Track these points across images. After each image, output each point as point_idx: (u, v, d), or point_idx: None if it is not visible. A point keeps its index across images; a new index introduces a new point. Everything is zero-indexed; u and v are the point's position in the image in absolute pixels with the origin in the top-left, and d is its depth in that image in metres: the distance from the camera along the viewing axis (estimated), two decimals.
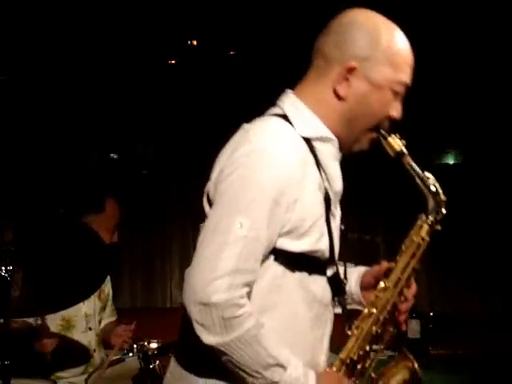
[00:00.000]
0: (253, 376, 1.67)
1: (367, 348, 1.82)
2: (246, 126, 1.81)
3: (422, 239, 1.87)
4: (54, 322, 3.41)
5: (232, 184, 1.70)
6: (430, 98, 5.32)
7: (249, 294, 1.70)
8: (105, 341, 3.73)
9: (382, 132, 1.85)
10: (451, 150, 6.17)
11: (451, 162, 6.21)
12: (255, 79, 5.43)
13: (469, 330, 4.92)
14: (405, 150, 1.84)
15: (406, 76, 1.85)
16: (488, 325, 5.10)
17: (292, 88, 1.90)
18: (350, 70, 1.80)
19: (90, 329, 3.60)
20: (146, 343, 3.26)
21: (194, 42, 5.30)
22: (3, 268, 2.53)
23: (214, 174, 1.77)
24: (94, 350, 3.58)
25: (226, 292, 1.63)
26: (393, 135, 1.85)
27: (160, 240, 5.90)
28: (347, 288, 1.98)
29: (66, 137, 5.33)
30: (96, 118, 5.42)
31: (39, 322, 3.24)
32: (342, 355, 1.81)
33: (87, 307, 3.59)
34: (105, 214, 3.70)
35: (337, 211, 1.90)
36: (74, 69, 5.08)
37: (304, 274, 1.78)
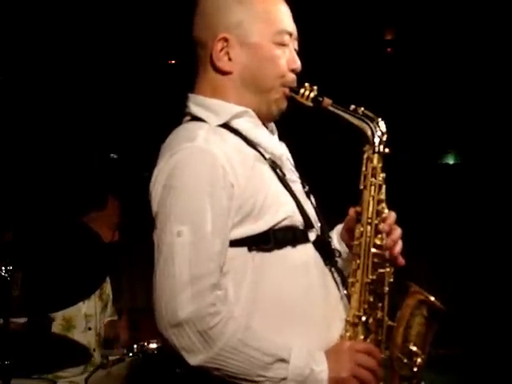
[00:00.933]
0: (257, 381, 1.59)
1: (371, 299, 1.74)
2: (163, 144, 1.79)
3: (375, 168, 1.77)
4: (55, 321, 3.41)
5: (158, 198, 1.66)
6: (429, 98, 5.33)
7: (240, 297, 1.64)
8: (108, 338, 3.75)
9: (290, 87, 1.79)
10: (451, 150, 6.17)
11: (451, 162, 6.21)
12: None
13: (468, 330, 4.92)
14: (320, 95, 1.79)
15: (282, 24, 1.80)
16: (488, 325, 5.10)
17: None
18: (223, 42, 1.77)
19: (90, 329, 3.60)
20: (145, 343, 3.26)
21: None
22: (3, 268, 2.54)
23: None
24: (94, 350, 3.58)
25: (191, 304, 1.56)
26: (304, 86, 1.80)
27: None
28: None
29: (65, 136, 5.33)
30: (96, 117, 5.41)
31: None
32: (349, 317, 1.72)
33: (87, 307, 3.60)
34: (106, 211, 3.71)
35: (293, 175, 1.84)
36: (73, 69, 5.08)
37: (288, 250, 1.71)
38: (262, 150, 1.76)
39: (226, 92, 1.80)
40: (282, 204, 1.72)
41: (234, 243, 1.67)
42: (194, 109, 1.83)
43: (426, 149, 5.78)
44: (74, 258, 2.69)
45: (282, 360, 1.60)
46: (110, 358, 3.38)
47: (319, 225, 1.84)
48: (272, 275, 1.68)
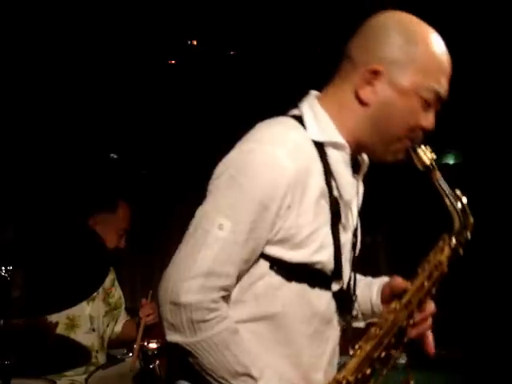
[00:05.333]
0: (220, 382, 1.61)
1: (367, 371, 1.72)
2: (258, 125, 1.74)
3: (441, 262, 1.76)
4: (58, 320, 3.41)
5: (219, 184, 1.66)
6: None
7: (241, 303, 1.66)
8: (127, 338, 3.75)
9: (412, 143, 1.75)
10: (451, 150, 6.17)
11: (451, 162, 6.21)
12: (255, 79, 5.43)
13: (468, 330, 4.92)
14: (434, 165, 1.75)
15: (437, 84, 1.72)
16: (488, 325, 5.10)
17: (319, 89, 1.83)
18: (375, 74, 1.70)
19: (94, 330, 3.60)
20: (145, 343, 3.26)
21: (194, 42, 5.30)
22: (3, 268, 2.53)
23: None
24: (97, 351, 3.58)
25: (196, 293, 1.58)
26: (423, 147, 1.75)
27: (160, 240, 5.90)
28: (370, 299, 1.91)
29: (66, 137, 5.33)
30: (96, 118, 5.42)
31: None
32: (339, 375, 1.71)
33: (91, 309, 3.60)
34: (116, 215, 3.70)
35: (349, 222, 1.80)
36: (74, 69, 5.08)
37: (304, 287, 1.70)
38: (333, 187, 1.72)
39: (349, 117, 1.74)
40: (322, 248, 1.70)
41: (261, 255, 1.68)
42: (305, 109, 1.78)
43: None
44: (74, 258, 2.69)
45: (251, 376, 1.61)
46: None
47: (350, 276, 1.82)
48: (278, 300, 1.69)
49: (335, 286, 1.76)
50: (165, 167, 5.79)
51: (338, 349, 1.84)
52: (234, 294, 1.68)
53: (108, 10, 4.68)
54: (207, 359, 1.60)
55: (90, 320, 3.59)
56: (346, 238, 1.78)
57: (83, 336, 3.51)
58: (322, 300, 1.74)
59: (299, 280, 1.69)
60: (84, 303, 3.48)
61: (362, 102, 1.73)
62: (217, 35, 5.14)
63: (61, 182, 5.11)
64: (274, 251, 1.67)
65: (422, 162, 1.74)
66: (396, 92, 1.71)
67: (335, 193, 1.72)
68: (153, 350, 3.21)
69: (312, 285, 1.71)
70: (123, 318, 3.84)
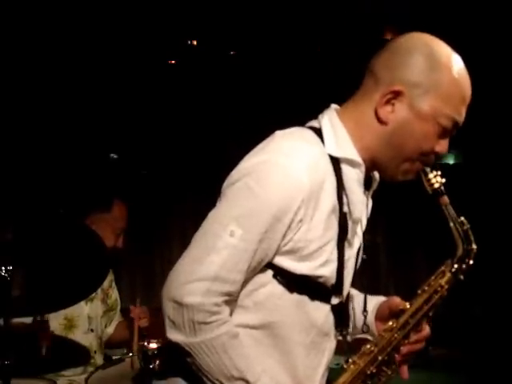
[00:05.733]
0: None
1: None
2: (275, 133, 1.76)
3: (441, 286, 1.81)
4: (56, 320, 3.42)
5: (235, 190, 1.67)
6: None
7: (241, 308, 1.68)
8: (117, 340, 3.75)
9: (423, 166, 1.78)
10: (451, 150, 6.16)
11: (451, 162, 6.21)
12: (255, 79, 5.43)
13: (468, 330, 4.92)
14: (443, 190, 1.78)
15: (456, 112, 1.75)
16: (487, 325, 5.10)
17: (340, 103, 1.84)
18: (396, 94, 1.72)
19: (92, 330, 3.60)
20: (145, 343, 3.26)
21: (194, 42, 5.30)
22: (3, 268, 2.53)
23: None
24: (95, 352, 3.58)
25: (200, 296, 1.60)
26: (434, 172, 1.78)
27: (160, 240, 5.90)
28: (364, 316, 1.94)
29: (66, 136, 5.33)
30: (96, 117, 5.42)
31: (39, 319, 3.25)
32: None
33: (90, 309, 3.60)
34: (111, 214, 3.68)
35: (355, 239, 1.82)
36: (74, 69, 5.08)
37: (304, 298, 1.73)
38: (344, 203, 1.74)
39: (366, 134, 1.77)
40: (327, 263, 1.73)
41: (267, 263, 1.70)
42: (325, 123, 1.79)
43: None
44: (73, 258, 2.69)
45: (246, 381, 1.64)
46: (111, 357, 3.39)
47: (349, 291, 1.86)
48: (278, 309, 1.71)
49: (335, 300, 1.79)
50: (164, 167, 5.79)
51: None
52: (239, 303, 1.70)
53: (108, 10, 4.68)
54: (204, 361, 1.62)
55: (88, 320, 3.58)
56: (350, 253, 1.81)
57: (81, 336, 3.51)
58: (321, 312, 1.77)
59: (300, 291, 1.72)
60: (82, 303, 3.48)
61: (380, 121, 1.74)
62: (217, 35, 5.14)
63: (60, 182, 5.11)
64: (280, 261, 1.69)
65: (432, 186, 1.78)
66: (414, 115, 1.72)
67: (345, 209, 1.75)
68: (153, 349, 3.20)
69: (312, 297, 1.74)
70: (117, 319, 3.83)
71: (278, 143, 1.71)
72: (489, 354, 4.57)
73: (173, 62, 5.49)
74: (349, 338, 1.92)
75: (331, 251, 1.73)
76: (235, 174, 1.70)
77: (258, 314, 1.71)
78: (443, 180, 1.78)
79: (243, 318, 1.70)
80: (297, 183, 1.64)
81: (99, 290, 3.56)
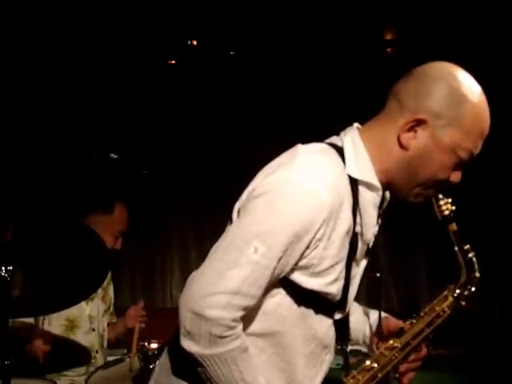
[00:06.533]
0: None
1: None
2: (298, 147, 1.79)
3: (443, 311, 1.87)
4: (57, 321, 3.42)
5: (259, 206, 1.69)
6: None
7: (249, 316, 1.70)
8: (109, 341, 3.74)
9: (437, 193, 1.84)
10: None
11: None
12: (255, 79, 5.43)
13: (468, 330, 4.91)
14: (452, 217, 1.84)
15: (474, 145, 1.80)
16: (487, 325, 5.10)
17: (362, 123, 1.88)
18: (419, 122, 1.75)
19: (93, 330, 3.59)
20: (145, 343, 3.26)
21: (194, 42, 5.30)
22: (3, 268, 2.53)
23: (249, 189, 1.76)
24: (97, 352, 3.58)
25: (221, 310, 1.62)
26: (445, 199, 1.84)
27: (160, 240, 5.90)
28: (363, 330, 2.01)
29: (65, 136, 5.33)
30: (96, 117, 5.41)
31: (40, 322, 3.24)
32: None
33: (91, 308, 3.59)
34: (112, 217, 3.66)
35: (362, 259, 1.88)
36: (74, 69, 5.08)
37: (309, 311, 1.78)
38: (358, 223, 1.78)
39: (386, 157, 1.80)
40: (337, 281, 1.77)
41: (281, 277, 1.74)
42: (347, 142, 1.82)
43: None
44: (74, 258, 2.69)
45: None
46: (110, 358, 3.38)
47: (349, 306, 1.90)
48: (284, 320, 1.76)
49: (337, 316, 1.84)
50: (165, 167, 5.78)
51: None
52: (248, 312, 1.72)
53: (108, 10, 4.68)
54: (216, 372, 1.66)
55: (89, 320, 3.58)
56: (356, 271, 1.86)
57: (83, 336, 3.50)
58: (323, 326, 1.82)
59: (307, 305, 1.77)
60: (83, 303, 3.47)
61: (401, 146, 1.78)
62: (217, 35, 5.14)
63: (61, 183, 5.11)
64: (292, 275, 1.73)
65: (442, 213, 1.84)
66: (435, 144, 1.76)
67: (357, 229, 1.79)
68: (153, 350, 3.20)
69: (317, 311, 1.79)
70: (107, 318, 3.82)
71: (302, 161, 1.73)
72: (489, 354, 4.56)
73: (173, 62, 5.49)
74: (348, 349, 1.95)
75: (341, 270, 1.77)
76: (258, 188, 1.72)
77: (264, 323, 1.75)
78: (453, 207, 1.84)
79: (250, 326, 1.73)
80: (319, 203, 1.67)
81: (99, 289, 3.56)
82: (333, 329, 1.84)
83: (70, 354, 3.26)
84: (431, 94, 1.76)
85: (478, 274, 1.85)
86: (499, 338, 4.76)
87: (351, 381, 1.82)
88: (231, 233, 1.70)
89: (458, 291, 1.86)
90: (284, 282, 1.73)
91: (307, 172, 1.70)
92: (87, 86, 5.23)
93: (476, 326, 5.04)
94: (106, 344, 3.71)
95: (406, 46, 5.15)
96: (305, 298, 1.75)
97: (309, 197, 1.66)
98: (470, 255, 1.85)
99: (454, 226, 1.84)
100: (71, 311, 3.38)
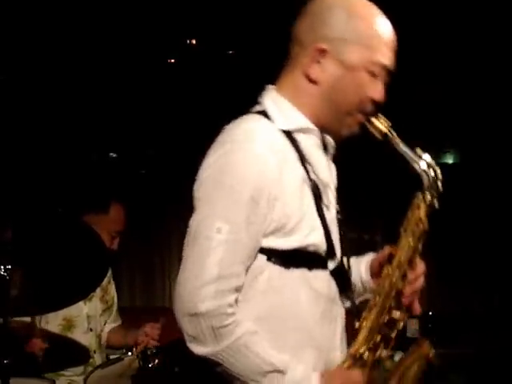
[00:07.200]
0: None
1: (377, 339, 1.77)
2: (226, 127, 1.79)
3: (420, 219, 1.80)
4: (55, 321, 3.41)
5: (206, 189, 1.70)
6: (428, 97, 5.32)
7: (249, 304, 1.68)
8: (110, 344, 3.71)
9: (366, 116, 1.80)
10: (450, 150, 6.16)
11: (450, 161, 6.21)
12: (254, 79, 5.43)
13: (468, 330, 4.92)
14: (392, 131, 1.80)
15: (383, 57, 1.78)
16: (487, 324, 5.11)
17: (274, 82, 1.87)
18: (321, 52, 1.76)
19: (91, 330, 3.58)
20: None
21: (194, 42, 5.30)
22: (2, 267, 2.53)
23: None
24: (94, 352, 3.57)
25: (213, 300, 1.61)
26: (378, 117, 1.80)
27: (159, 239, 5.90)
28: (360, 278, 1.95)
29: (65, 135, 5.33)
30: (95, 117, 5.42)
31: (38, 321, 3.24)
32: (352, 350, 1.77)
33: (89, 308, 3.58)
34: (108, 216, 3.64)
35: (330, 202, 1.85)
36: (73, 68, 5.08)
37: (303, 271, 1.74)
38: (310, 171, 1.77)
39: (305, 99, 1.79)
40: (313, 230, 1.75)
41: (258, 250, 1.71)
42: (267, 103, 1.82)
43: (425, 148, 5.78)
44: (73, 257, 2.69)
45: (280, 371, 1.65)
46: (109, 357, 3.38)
47: (342, 253, 1.86)
48: (281, 290, 1.72)
49: (331, 265, 1.80)
50: (163, 167, 5.79)
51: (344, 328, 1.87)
52: (241, 298, 1.70)
53: (108, 9, 4.68)
54: (234, 365, 1.64)
55: (87, 320, 3.57)
56: (330, 216, 1.82)
57: (81, 336, 3.49)
58: (322, 281, 1.78)
59: (297, 265, 1.73)
60: (81, 303, 3.46)
61: (313, 82, 1.78)
62: (216, 34, 5.14)
63: (59, 181, 5.11)
64: (269, 243, 1.70)
65: (380, 131, 1.80)
66: (343, 69, 1.76)
67: (313, 176, 1.77)
68: (152, 349, 3.20)
69: (310, 267, 1.75)
70: (113, 320, 3.78)
71: (231, 132, 1.75)
72: (489, 354, 4.57)
73: (172, 61, 5.49)
74: (356, 302, 1.91)
75: (313, 219, 1.75)
76: (200, 175, 1.73)
77: (265, 303, 1.71)
78: (389, 123, 1.80)
79: (252, 311, 1.70)
80: (263, 163, 1.67)
81: (98, 289, 3.54)
82: (333, 281, 1.80)
83: (68, 353, 3.25)
84: (325, 22, 1.76)
85: (438, 169, 1.79)
86: (498, 337, 4.76)
87: (364, 323, 1.77)
88: (192, 226, 1.71)
89: (428, 195, 1.79)
90: (266, 254, 1.70)
91: (240, 140, 1.70)
92: (87, 85, 5.23)
93: (475, 326, 5.04)
94: (104, 344, 3.70)
95: (403, 45, 5.15)
96: (291, 259, 1.72)
97: (249, 161, 1.67)
98: (424, 157, 1.79)
99: (397, 139, 1.79)
100: (69, 311, 3.36)
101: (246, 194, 1.65)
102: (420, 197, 1.80)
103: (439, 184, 1.80)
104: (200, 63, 5.38)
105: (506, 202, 5.66)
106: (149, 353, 3.17)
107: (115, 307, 3.82)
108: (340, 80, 1.76)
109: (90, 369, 3.33)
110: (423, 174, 1.79)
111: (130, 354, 3.22)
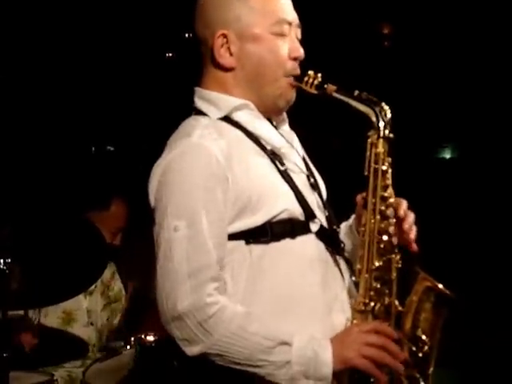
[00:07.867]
0: (260, 366, 1.60)
1: (378, 285, 1.71)
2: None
3: (380, 154, 1.74)
4: (54, 314, 3.41)
5: (158, 194, 1.70)
6: (426, 92, 5.33)
7: (250, 295, 1.66)
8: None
9: (294, 76, 1.80)
10: (448, 145, 6.17)
11: (448, 156, 6.22)
12: None
13: (468, 328, 4.93)
14: (324, 83, 1.78)
15: (279, 13, 1.80)
16: (487, 323, 5.12)
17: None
18: (223, 38, 1.78)
19: (91, 324, 3.59)
20: (142, 336, 3.26)
21: (191, 35, 5.29)
22: (2, 261, 2.54)
23: None
24: (94, 345, 3.58)
25: (189, 296, 1.60)
26: (308, 74, 1.80)
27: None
28: (352, 240, 1.90)
29: (63, 129, 5.33)
30: (93, 111, 5.41)
31: (37, 314, 3.24)
32: (355, 305, 1.72)
33: (89, 302, 3.58)
34: (109, 213, 3.63)
35: (297, 167, 1.83)
36: (70, 63, 5.08)
37: (287, 241, 1.71)
38: (262, 142, 1.78)
39: (229, 87, 1.81)
40: (279, 196, 1.72)
41: (232, 237, 1.69)
42: (197, 103, 1.85)
43: (422, 143, 5.79)
44: (72, 251, 2.69)
45: (285, 343, 1.60)
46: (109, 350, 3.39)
47: (325, 215, 1.83)
48: (271, 268, 1.69)
49: (314, 227, 1.76)
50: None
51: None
52: (230, 286, 1.68)
53: (105, 4, 4.67)
54: (235, 351, 1.59)
55: (87, 314, 3.57)
56: (300, 180, 1.80)
57: (80, 330, 3.50)
58: (310, 246, 1.75)
59: (278, 238, 1.70)
60: (81, 297, 3.47)
61: (227, 69, 1.80)
62: None
63: (58, 176, 5.11)
64: (240, 225, 1.69)
65: (312, 85, 1.79)
66: (249, 42, 1.78)
67: (268, 147, 1.77)
68: (150, 342, 3.21)
69: (292, 235, 1.72)
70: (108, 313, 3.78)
71: (174, 135, 1.78)
72: (488, 352, 4.58)
73: (170, 54, 5.48)
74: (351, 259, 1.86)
75: (276, 186, 1.73)
76: (148, 183, 1.74)
77: (262, 287, 1.68)
78: (319, 74, 1.79)
79: (245, 298, 1.67)
80: (204, 150, 1.68)
81: (99, 283, 3.54)
82: (321, 243, 1.76)
83: (64, 347, 3.25)
84: (211, 11, 1.80)
85: (381, 102, 1.75)
86: (493, 336, 4.78)
87: (358, 276, 1.73)
88: (155, 234, 1.70)
89: (380, 129, 1.73)
90: (242, 239, 1.68)
91: (177, 139, 1.74)
92: (84, 80, 5.23)
93: (471, 324, 5.06)
94: (104, 339, 3.70)
95: (402, 39, 5.16)
96: (269, 233, 1.68)
97: (190, 150, 1.68)
98: (363, 95, 1.76)
99: (332, 88, 1.77)
100: (68, 304, 3.37)
101: (195, 184, 1.65)
102: (373, 134, 1.76)
103: (388, 114, 1.76)
104: (198, 57, 5.38)
105: (504, 197, 5.66)
106: (146, 346, 3.18)
107: (123, 299, 3.79)
108: (251, 55, 1.78)
109: (88, 362, 3.34)
110: (369, 110, 1.75)
111: (128, 347, 3.23)
